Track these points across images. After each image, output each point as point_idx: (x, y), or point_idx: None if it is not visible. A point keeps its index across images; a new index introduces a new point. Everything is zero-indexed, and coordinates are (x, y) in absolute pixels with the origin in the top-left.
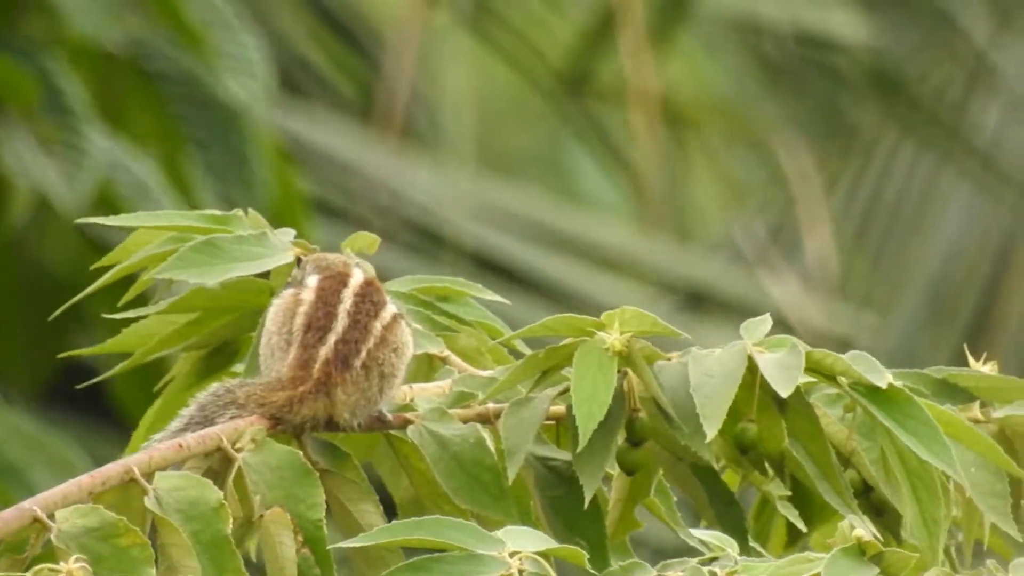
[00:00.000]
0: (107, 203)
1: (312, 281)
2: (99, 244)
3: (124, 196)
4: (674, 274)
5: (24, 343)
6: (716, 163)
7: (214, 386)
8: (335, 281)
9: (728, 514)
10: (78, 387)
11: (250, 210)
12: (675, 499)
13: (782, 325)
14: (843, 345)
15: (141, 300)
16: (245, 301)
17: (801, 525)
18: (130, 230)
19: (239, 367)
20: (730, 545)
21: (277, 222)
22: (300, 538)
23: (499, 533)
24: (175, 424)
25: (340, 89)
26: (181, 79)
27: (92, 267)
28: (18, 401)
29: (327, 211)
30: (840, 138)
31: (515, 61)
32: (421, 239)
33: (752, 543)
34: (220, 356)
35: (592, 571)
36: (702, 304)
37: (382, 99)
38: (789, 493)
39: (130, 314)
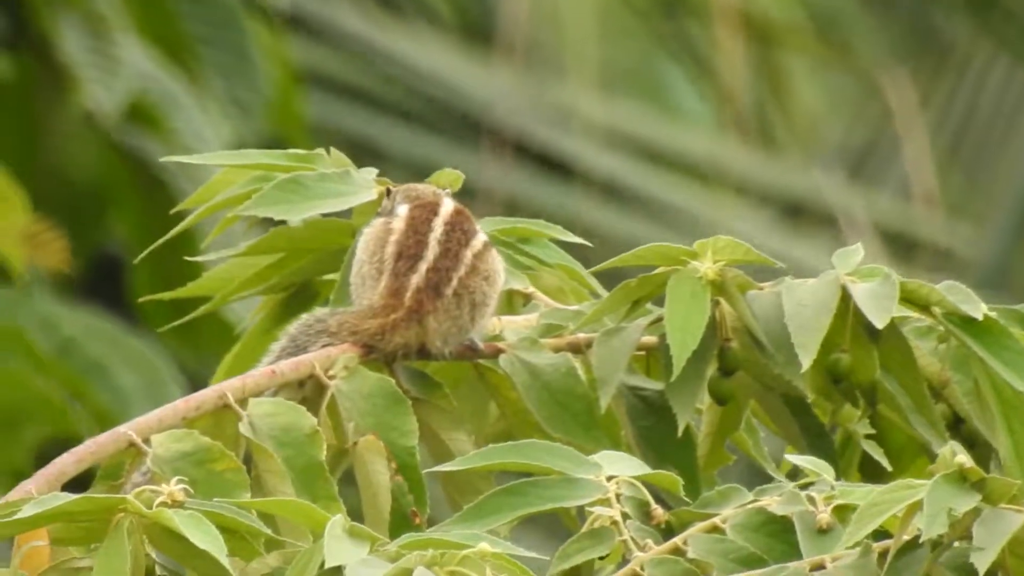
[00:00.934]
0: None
1: (402, 210)
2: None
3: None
4: (772, 186)
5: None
6: (810, 76)
7: (304, 316)
8: (425, 210)
9: (819, 446)
10: (161, 329)
11: (332, 149)
12: (762, 434)
13: (878, 236)
14: (939, 256)
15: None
16: (326, 241)
17: (886, 463)
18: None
19: (319, 310)
20: (826, 471)
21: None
22: (393, 465)
23: (595, 458)
24: (267, 358)
25: (439, 11)
26: None
27: (173, 210)
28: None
29: (451, 138)
30: (933, 52)
31: None
32: (548, 163)
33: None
34: (300, 298)
35: (685, 498)
36: (799, 215)
37: (490, 23)
38: (873, 431)
39: (212, 256)
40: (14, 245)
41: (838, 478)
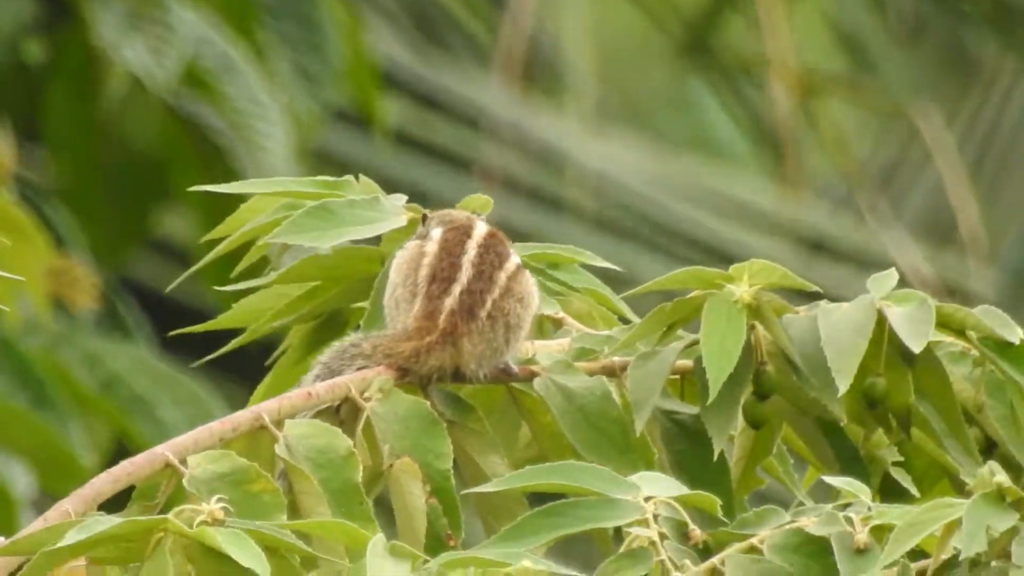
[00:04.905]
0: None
1: (436, 233)
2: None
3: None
4: (794, 224)
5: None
6: (830, 105)
7: (337, 343)
8: (459, 233)
9: (853, 469)
10: (198, 363)
11: (362, 176)
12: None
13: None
14: (950, 293)
15: (251, 271)
16: (355, 270)
17: (914, 490)
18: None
19: (352, 335)
20: (862, 492)
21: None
22: (428, 488)
23: (633, 478)
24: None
25: (471, 32)
26: None
27: (203, 239)
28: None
29: (450, 160)
30: (960, 74)
31: (642, 5)
32: (542, 187)
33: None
34: (330, 328)
35: (723, 519)
36: (816, 253)
37: (505, 43)
38: (901, 459)
39: (242, 286)
40: (38, 283)
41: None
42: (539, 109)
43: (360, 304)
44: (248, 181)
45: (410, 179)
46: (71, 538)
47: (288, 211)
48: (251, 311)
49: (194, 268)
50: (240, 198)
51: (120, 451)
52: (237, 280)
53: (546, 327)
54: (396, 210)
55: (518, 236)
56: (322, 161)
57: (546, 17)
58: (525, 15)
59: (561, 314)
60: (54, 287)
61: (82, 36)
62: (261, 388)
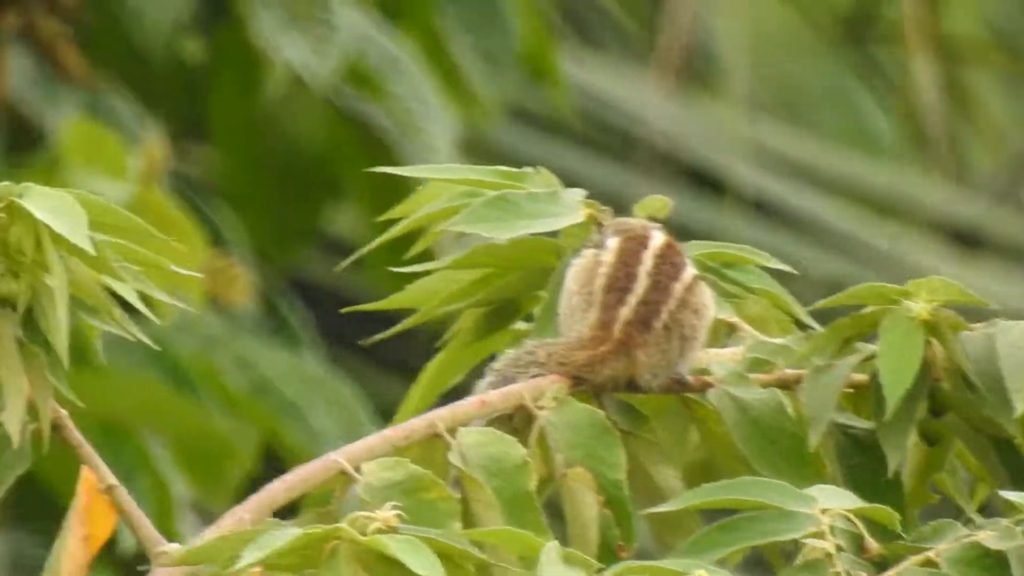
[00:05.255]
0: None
1: (612, 243)
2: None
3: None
4: (949, 216)
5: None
6: (990, 99)
7: (510, 351)
8: (635, 242)
9: None
10: (366, 342)
11: (540, 168)
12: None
13: None
14: None
15: (420, 260)
16: (531, 259)
17: None
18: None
19: (520, 325)
20: None
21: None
22: (600, 498)
23: (809, 491)
24: (475, 396)
25: (626, 29)
26: None
27: (377, 219)
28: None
29: (607, 155)
30: None
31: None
32: (701, 186)
33: None
34: (503, 313)
35: (901, 533)
36: (975, 246)
37: (663, 41)
38: None
39: (414, 268)
40: (194, 281)
41: None
42: (696, 105)
43: (534, 293)
44: (424, 166)
45: (572, 173)
46: (250, 556)
47: (466, 199)
48: (425, 292)
49: (363, 250)
50: (408, 194)
51: (270, 456)
52: (408, 264)
53: (720, 331)
54: (574, 205)
55: (682, 232)
56: (483, 155)
57: (704, 15)
58: (683, 13)
59: (735, 319)
60: (211, 286)
61: (241, 35)
62: (432, 367)
